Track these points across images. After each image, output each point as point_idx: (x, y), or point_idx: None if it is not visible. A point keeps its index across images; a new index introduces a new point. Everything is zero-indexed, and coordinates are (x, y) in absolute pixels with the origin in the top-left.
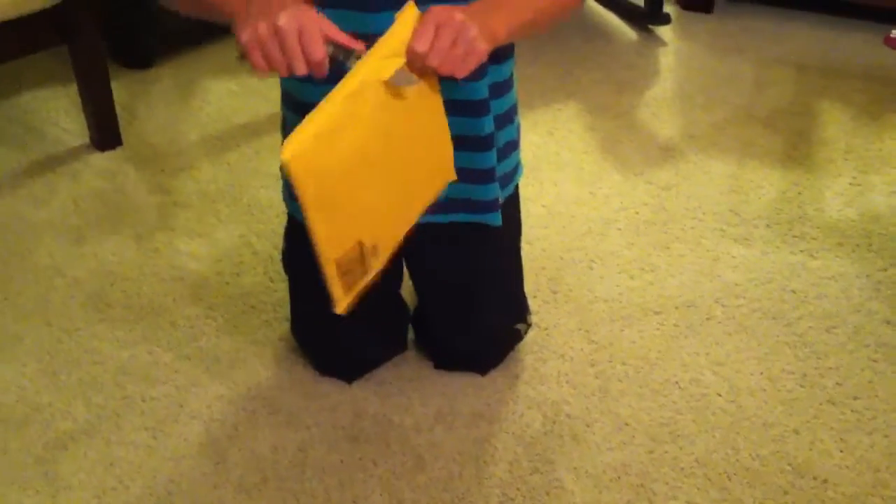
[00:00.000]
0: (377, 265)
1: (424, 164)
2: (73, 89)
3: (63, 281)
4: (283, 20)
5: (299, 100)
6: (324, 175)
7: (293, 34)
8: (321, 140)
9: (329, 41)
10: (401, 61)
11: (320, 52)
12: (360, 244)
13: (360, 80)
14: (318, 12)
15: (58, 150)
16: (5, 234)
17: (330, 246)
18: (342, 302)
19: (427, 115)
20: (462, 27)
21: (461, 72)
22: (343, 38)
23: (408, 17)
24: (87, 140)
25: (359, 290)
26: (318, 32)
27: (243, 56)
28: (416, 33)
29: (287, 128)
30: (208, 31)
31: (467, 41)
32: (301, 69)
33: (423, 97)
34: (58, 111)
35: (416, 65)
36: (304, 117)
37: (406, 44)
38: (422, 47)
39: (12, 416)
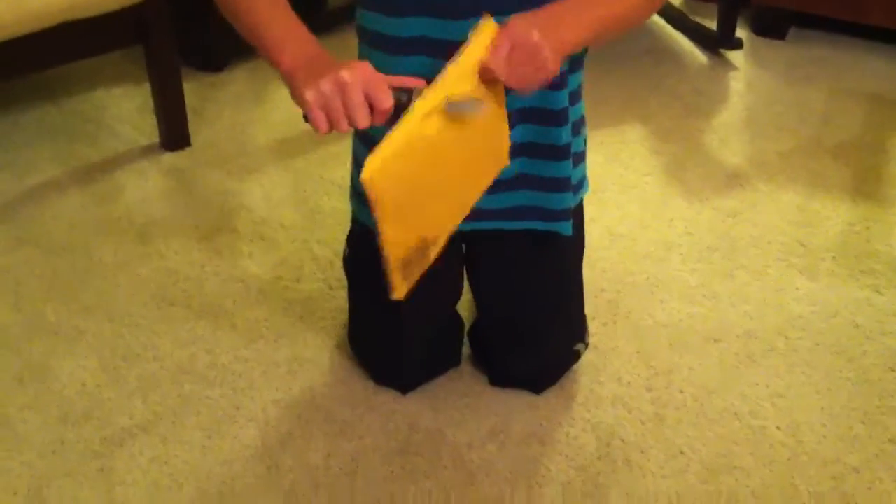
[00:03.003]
0: (435, 253)
1: (485, 159)
2: (146, 89)
3: (126, 278)
4: (347, 74)
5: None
6: (399, 189)
7: (357, 86)
8: (397, 158)
9: (392, 87)
10: (474, 81)
11: (388, 101)
12: (423, 239)
13: (436, 102)
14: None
15: (127, 148)
16: (72, 229)
17: (396, 247)
18: (400, 290)
19: (492, 116)
20: (536, 48)
21: (528, 89)
22: (403, 80)
23: (485, 30)
24: (156, 140)
25: (416, 278)
26: (383, 82)
27: (306, 117)
28: (491, 49)
29: (356, 144)
30: None
31: (539, 61)
32: (363, 121)
33: (491, 102)
34: (129, 110)
35: (487, 77)
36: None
37: (481, 58)
38: (495, 64)
39: (72, 409)
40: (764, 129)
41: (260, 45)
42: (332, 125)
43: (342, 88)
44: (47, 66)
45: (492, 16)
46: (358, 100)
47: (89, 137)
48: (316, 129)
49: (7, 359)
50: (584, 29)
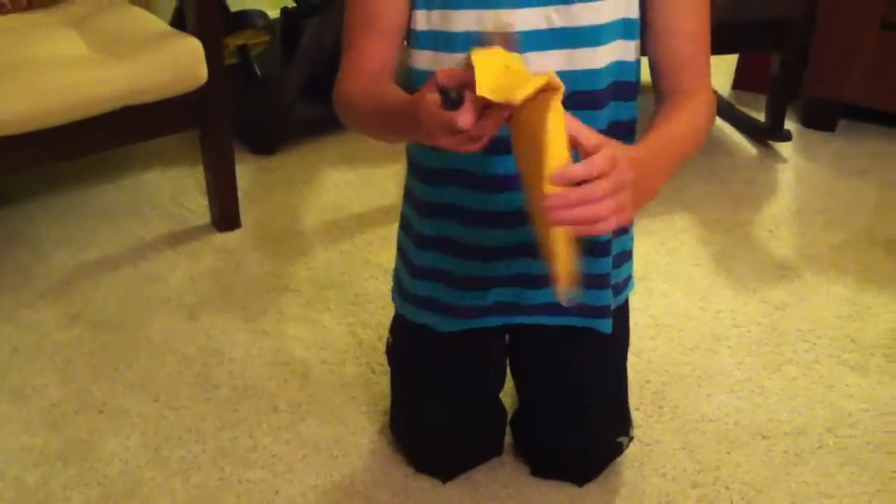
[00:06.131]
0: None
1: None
2: (199, 170)
3: (173, 357)
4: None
5: (424, 164)
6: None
7: (435, 127)
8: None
9: (438, 87)
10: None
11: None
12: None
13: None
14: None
15: (180, 228)
16: (123, 307)
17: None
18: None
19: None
20: (622, 208)
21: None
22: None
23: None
24: (208, 220)
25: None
26: (433, 108)
27: None
28: (592, 158)
29: (411, 194)
30: (330, 123)
31: (612, 211)
32: (466, 144)
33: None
34: (183, 191)
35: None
36: (429, 183)
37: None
38: (584, 138)
39: (113, 489)
40: (813, 221)
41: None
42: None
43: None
44: (108, 148)
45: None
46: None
47: (144, 216)
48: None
49: (52, 435)
50: (666, 175)
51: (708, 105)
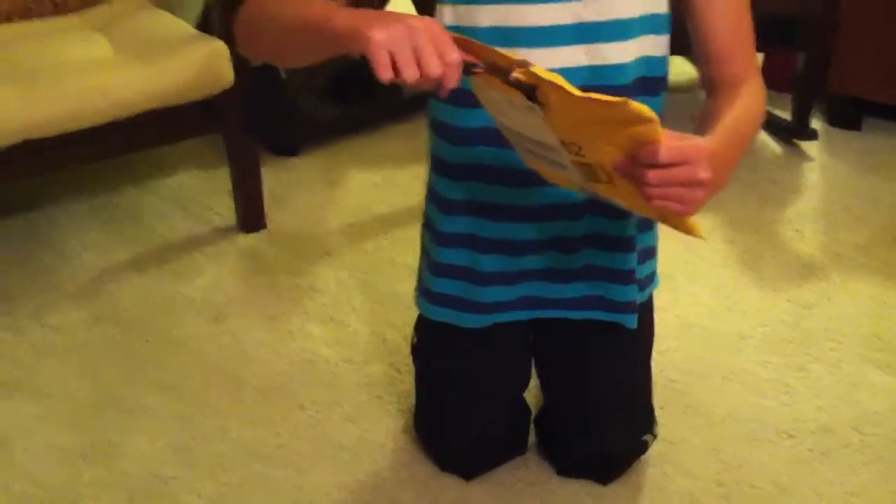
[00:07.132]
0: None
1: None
2: (225, 173)
3: (199, 357)
4: (417, 21)
5: (447, 161)
6: None
7: (426, 35)
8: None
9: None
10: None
11: (456, 54)
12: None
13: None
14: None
15: (205, 229)
16: (149, 307)
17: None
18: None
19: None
20: (697, 184)
21: (654, 204)
22: (464, 54)
23: (650, 129)
24: (233, 222)
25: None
26: (450, 37)
27: (367, 60)
28: (666, 139)
29: (433, 191)
30: (353, 124)
31: (692, 202)
32: (435, 68)
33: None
34: (209, 193)
35: (644, 148)
36: (452, 179)
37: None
38: (663, 150)
39: (140, 487)
40: (839, 219)
41: (305, 32)
42: (398, 71)
43: (412, 33)
44: (133, 150)
45: None
46: (429, 47)
47: (169, 219)
48: (378, 73)
49: (79, 435)
50: (734, 165)
51: (760, 90)
